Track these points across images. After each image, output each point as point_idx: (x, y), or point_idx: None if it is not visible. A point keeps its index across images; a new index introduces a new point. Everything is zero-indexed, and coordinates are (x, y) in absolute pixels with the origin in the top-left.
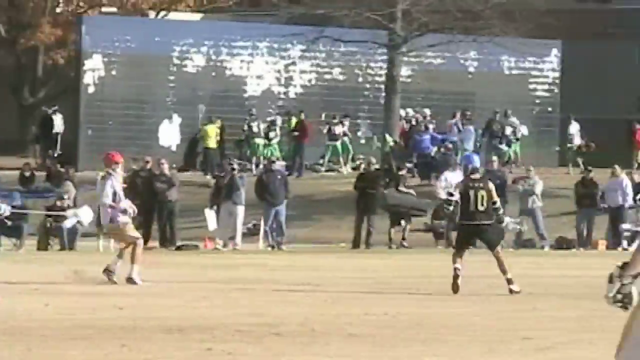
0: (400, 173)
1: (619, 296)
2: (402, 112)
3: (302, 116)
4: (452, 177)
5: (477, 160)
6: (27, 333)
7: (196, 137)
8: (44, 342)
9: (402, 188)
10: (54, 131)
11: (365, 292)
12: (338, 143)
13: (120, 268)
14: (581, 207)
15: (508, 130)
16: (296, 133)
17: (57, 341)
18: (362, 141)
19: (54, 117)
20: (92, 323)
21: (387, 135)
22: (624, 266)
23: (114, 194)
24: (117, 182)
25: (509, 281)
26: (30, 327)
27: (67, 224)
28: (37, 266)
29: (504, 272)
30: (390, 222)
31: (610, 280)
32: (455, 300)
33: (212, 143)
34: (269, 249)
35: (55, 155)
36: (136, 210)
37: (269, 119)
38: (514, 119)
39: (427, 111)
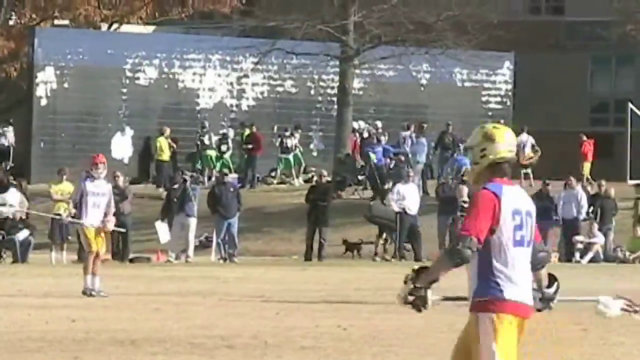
0: (385, 187)
1: (410, 298)
2: (355, 125)
3: (254, 129)
4: (404, 190)
5: (467, 163)
6: None
7: (149, 149)
8: None
9: (386, 202)
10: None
11: (317, 305)
12: (290, 155)
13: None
14: (536, 220)
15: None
16: (249, 146)
17: (10, 353)
18: (314, 153)
19: (5, 129)
20: (45, 335)
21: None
22: (420, 271)
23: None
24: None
25: None
26: None
27: (20, 236)
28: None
29: None
30: (378, 233)
31: (405, 282)
32: (408, 313)
33: (164, 156)
34: (221, 261)
35: (8, 167)
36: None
37: (221, 131)
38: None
39: (379, 123)
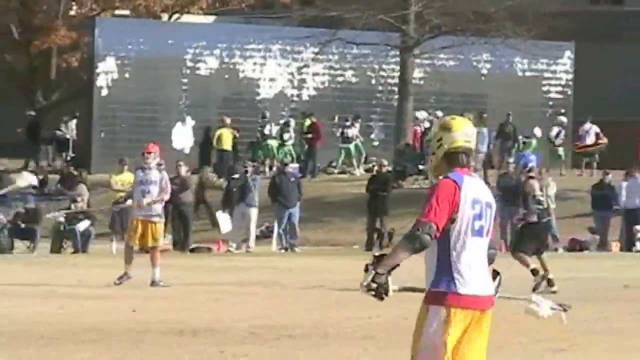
0: None
1: (373, 285)
2: (419, 115)
3: (314, 119)
4: None
5: (534, 160)
6: (40, 336)
7: (209, 140)
8: (56, 344)
9: None
10: (42, 136)
11: None
12: (351, 145)
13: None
14: (597, 209)
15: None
16: (309, 135)
17: (70, 344)
18: (375, 143)
19: (68, 121)
20: (106, 326)
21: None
22: (380, 257)
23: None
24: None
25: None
26: (44, 330)
27: (81, 226)
28: (51, 269)
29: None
30: None
31: (366, 270)
32: None
33: (226, 145)
34: (282, 251)
35: (68, 158)
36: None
37: (282, 121)
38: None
39: (440, 113)
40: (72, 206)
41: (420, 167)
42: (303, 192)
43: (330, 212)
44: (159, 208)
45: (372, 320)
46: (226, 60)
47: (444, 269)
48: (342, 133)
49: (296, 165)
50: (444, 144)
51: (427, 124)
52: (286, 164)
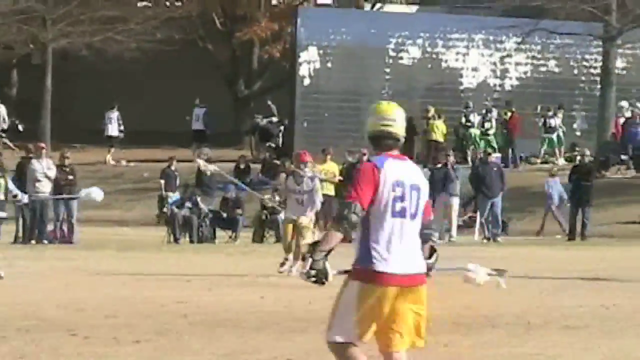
0: None
1: (312, 272)
2: (623, 104)
3: (513, 109)
4: None
5: None
6: (243, 325)
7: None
8: (258, 333)
9: None
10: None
11: (580, 284)
12: (554, 135)
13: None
14: None
15: None
16: (508, 125)
17: (276, 333)
18: (577, 133)
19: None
20: (308, 315)
21: None
22: (315, 244)
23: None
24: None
25: None
26: (246, 319)
27: (282, 216)
28: (253, 258)
29: None
30: None
31: (303, 258)
32: None
33: (439, 136)
34: (485, 241)
35: (274, 146)
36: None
37: (484, 110)
38: None
39: None
40: (275, 195)
41: (623, 157)
42: (506, 181)
43: (534, 201)
44: None
45: (574, 310)
46: (429, 49)
47: (364, 246)
48: (545, 123)
49: (499, 155)
50: (367, 127)
51: (628, 114)
52: (489, 154)
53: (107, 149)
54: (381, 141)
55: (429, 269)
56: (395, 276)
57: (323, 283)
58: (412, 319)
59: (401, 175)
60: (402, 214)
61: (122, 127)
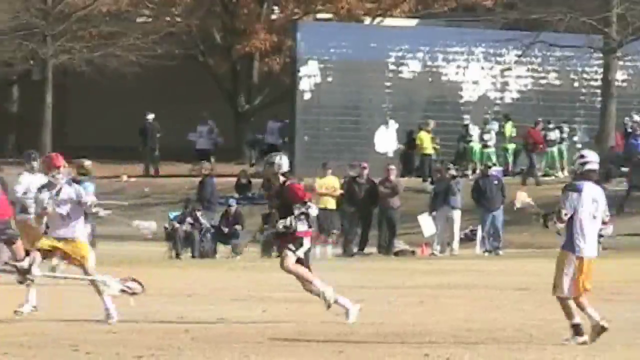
0: None
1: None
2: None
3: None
4: None
5: None
6: (244, 340)
7: (413, 143)
8: (260, 348)
9: None
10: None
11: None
12: (554, 148)
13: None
14: None
15: None
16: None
17: (274, 347)
18: (578, 146)
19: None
20: (308, 329)
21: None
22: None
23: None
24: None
25: None
26: (247, 334)
27: None
28: (255, 273)
29: None
30: None
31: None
32: None
33: (428, 149)
34: (486, 254)
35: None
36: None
37: (487, 125)
38: None
39: (637, 117)
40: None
41: (624, 169)
42: (507, 194)
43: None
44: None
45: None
46: (429, 63)
47: None
48: (545, 136)
49: (499, 168)
50: None
51: (629, 128)
52: (489, 167)
53: (110, 164)
54: None
55: None
56: None
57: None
58: None
59: None
60: None
61: (218, 139)
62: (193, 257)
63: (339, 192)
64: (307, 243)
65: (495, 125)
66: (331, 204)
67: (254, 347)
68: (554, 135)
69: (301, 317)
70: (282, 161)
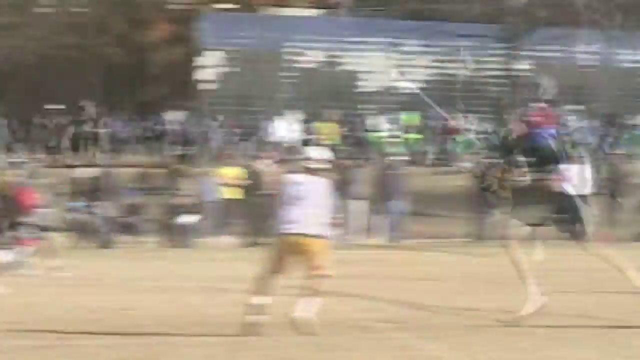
0: None
1: None
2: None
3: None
4: None
5: None
6: (147, 330)
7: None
8: (165, 337)
9: None
10: None
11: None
12: (461, 138)
13: None
14: None
15: None
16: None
17: (178, 337)
18: (483, 136)
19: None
20: (211, 320)
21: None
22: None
23: None
24: None
25: None
26: (149, 325)
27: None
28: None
29: None
30: None
31: None
32: None
33: (327, 139)
34: (387, 244)
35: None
36: None
37: (387, 115)
38: None
39: None
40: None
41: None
42: (409, 184)
43: (436, 205)
44: None
45: (478, 313)
46: (328, 53)
47: None
48: (449, 125)
49: (401, 158)
50: None
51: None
52: (390, 157)
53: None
54: None
55: None
56: None
57: None
58: None
59: None
60: None
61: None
62: (93, 247)
63: (243, 182)
64: None
65: (395, 116)
66: (234, 194)
67: (158, 336)
68: (459, 124)
69: (205, 307)
70: None
